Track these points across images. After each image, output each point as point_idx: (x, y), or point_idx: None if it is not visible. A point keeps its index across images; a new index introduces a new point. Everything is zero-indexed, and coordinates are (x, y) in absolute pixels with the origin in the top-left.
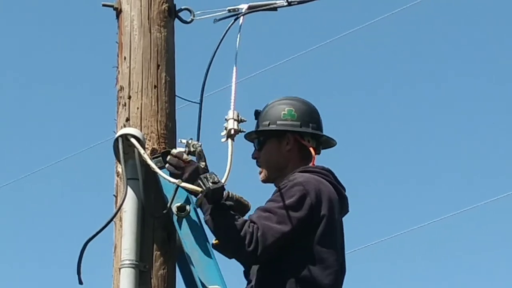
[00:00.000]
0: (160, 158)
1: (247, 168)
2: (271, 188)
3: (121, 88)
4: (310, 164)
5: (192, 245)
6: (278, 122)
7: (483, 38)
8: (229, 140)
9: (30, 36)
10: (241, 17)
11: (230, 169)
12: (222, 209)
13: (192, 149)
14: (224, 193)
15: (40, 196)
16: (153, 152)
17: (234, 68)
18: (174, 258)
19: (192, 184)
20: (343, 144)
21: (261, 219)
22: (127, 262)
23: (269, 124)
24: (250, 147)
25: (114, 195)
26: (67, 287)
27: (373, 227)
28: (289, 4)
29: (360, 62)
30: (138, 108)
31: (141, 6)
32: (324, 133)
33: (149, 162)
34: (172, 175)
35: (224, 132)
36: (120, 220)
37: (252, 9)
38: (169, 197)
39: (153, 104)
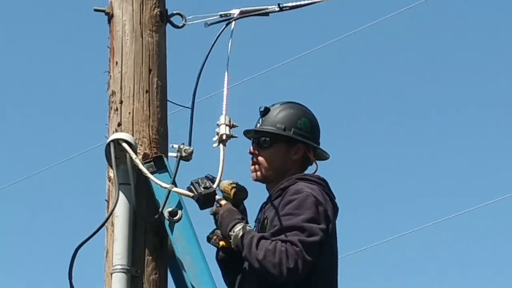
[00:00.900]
0: (152, 163)
1: (239, 172)
2: (261, 188)
3: (113, 93)
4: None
5: (184, 250)
6: (294, 130)
7: (483, 38)
8: (221, 145)
9: (21, 40)
10: (233, 22)
11: (222, 174)
12: (251, 234)
13: (183, 154)
14: (217, 197)
15: (31, 201)
16: (145, 157)
17: (226, 73)
18: (166, 263)
19: (184, 189)
20: (337, 150)
21: (291, 236)
22: (119, 267)
23: (284, 129)
24: (242, 152)
25: (106, 200)
26: None
27: (370, 230)
28: (281, 9)
29: (352, 67)
30: (130, 113)
31: (132, 11)
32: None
33: (141, 167)
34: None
35: (216, 137)
36: (112, 225)
37: (244, 14)
38: (161, 202)
39: (144, 109)
